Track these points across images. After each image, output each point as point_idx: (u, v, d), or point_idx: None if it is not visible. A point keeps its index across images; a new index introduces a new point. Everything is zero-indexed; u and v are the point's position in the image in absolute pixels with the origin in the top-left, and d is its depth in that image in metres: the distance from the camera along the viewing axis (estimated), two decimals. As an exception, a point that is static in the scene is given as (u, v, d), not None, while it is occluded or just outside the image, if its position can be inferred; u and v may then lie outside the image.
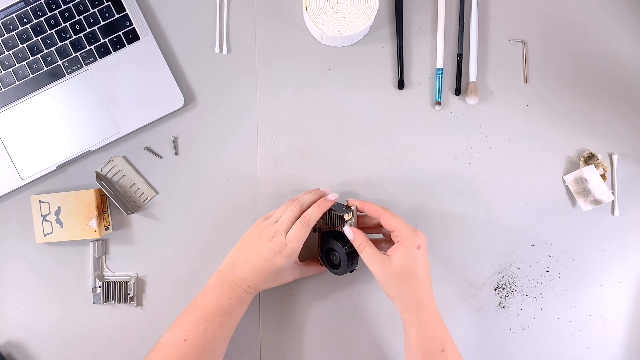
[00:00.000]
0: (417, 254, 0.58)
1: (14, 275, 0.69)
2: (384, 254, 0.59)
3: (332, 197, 0.63)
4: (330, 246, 0.63)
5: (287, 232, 0.60)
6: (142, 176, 0.70)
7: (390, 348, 0.69)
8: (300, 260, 0.65)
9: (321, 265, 0.67)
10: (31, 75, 0.68)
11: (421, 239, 0.59)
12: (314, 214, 0.61)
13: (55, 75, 0.69)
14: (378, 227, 0.66)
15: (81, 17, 0.69)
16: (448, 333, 0.60)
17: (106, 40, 0.69)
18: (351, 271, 0.64)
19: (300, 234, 0.60)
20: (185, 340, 0.59)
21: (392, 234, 0.61)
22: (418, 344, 0.60)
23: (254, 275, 0.61)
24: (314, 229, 0.66)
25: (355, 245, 0.60)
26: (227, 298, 0.61)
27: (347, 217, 0.61)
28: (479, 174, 0.70)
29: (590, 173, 0.68)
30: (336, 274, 0.64)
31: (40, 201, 0.67)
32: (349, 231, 0.61)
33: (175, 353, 0.59)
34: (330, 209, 0.63)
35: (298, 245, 0.60)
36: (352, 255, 0.62)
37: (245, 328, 0.69)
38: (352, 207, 0.63)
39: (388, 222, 0.60)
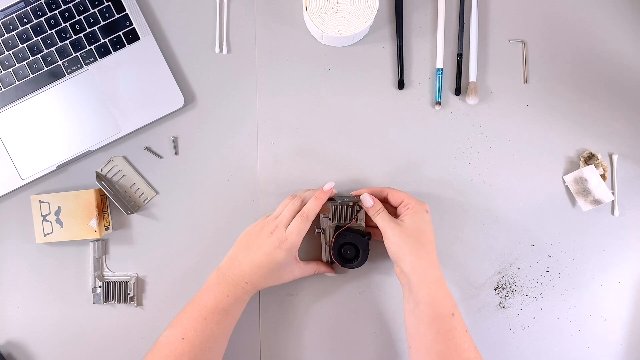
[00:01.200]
0: (426, 216, 0.62)
1: (14, 275, 0.69)
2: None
3: (328, 187, 0.64)
4: (346, 241, 0.65)
5: (288, 225, 0.61)
6: (142, 176, 0.70)
7: (390, 348, 0.69)
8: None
9: (331, 263, 0.67)
10: (31, 75, 0.68)
11: (427, 206, 0.63)
12: (313, 207, 0.62)
13: (55, 75, 0.69)
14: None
15: (81, 17, 0.69)
16: (453, 299, 0.61)
17: (106, 40, 0.69)
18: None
19: (300, 227, 0.61)
20: (183, 338, 0.59)
21: (400, 206, 0.63)
22: (429, 308, 0.58)
23: (253, 271, 0.61)
24: (317, 229, 0.67)
25: (374, 211, 0.63)
26: (225, 296, 0.61)
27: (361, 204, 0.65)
28: (479, 174, 0.70)
29: (590, 173, 0.68)
30: (352, 267, 0.65)
31: (40, 201, 0.67)
32: (368, 199, 0.63)
33: (173, 351, 0.59)
34: (337, 205, 0.66)
35: (298, 239, 0.61)
36: (369, 245, 0.66)
37: (245, 328, 0.69)
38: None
39: (395, 196, 0.64)
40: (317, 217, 0.66)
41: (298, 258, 0.64)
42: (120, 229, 0.70)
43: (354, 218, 0.66)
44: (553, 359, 0.70)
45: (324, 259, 0.67)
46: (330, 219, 0.66)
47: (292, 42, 0.71)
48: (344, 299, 0.70)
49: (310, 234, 0.67)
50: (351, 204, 0.66)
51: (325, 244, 0.66)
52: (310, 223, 0.62)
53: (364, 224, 0.66)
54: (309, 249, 0.69)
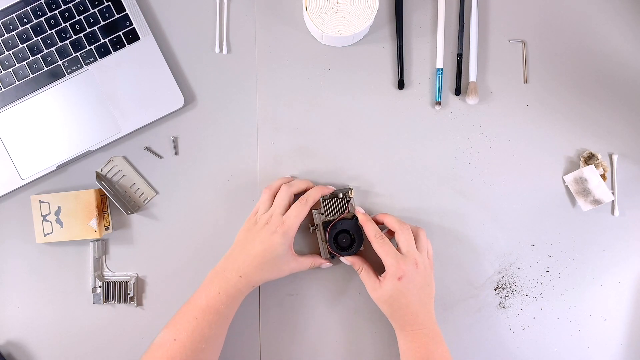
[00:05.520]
0: (399, 285, 0.61)
1: (14, 275, 0.69)
2: (378, 277, 0.63)
3: (331, 189, 0.67)
4: (340, 229, 0.66)
5: (284, 213, 0.62)
6: (142, 176, 0.70)
7: (390, 348, 0.69)
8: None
9: (331, 257, 0.67)
10: (31, 75, 0.68)
11: (404, 269, 0.61)
12: (314, 195, 0.64)
13: (55, 75, 0.69)
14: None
15: (81, 17, 0.69)
16: (439, 349, 0.61)
17: (106, 40, 0.69)
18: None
19: (298, 211, 0.62)
20: (175, 340, 0.58)
21: (395, 237, 0.64)
22: (404, 356, 0.62)
23: (248, 263, 0.61)
24: (311, 226, 0.67)
25: (355, 268, 0.65)
26: (216, 293, 0.60)
27: (350, 194, 0.67)
28: (479, 174, 0.70)
29: (590, 173, 0.68)
30: (351, 253, 0.66)
31: (40, 201, 0.67)
32: (345, 261, 0.66)
33: (166, 353, 0.58)
34: (327, 198, 0.67)
35: (295, 222, 0.61)
36: (359, 226, 0.66)
37: (245, 328, 0.69)
38: (352, 187, 0.68)
39: (377, 252, 0.63)
40: (310, 214, 0.66)
41: (293, 251, 0.64)
42: (120, 229, 0.70)
43: (346, 210, 0.67)
44: (553, 359, 0.70)
45: (323, 256, 0.67)
46: (322, 214, 0.67)
47: (292, 42, 0.71)
48: (343, 299, 0.70)
49: (306, 232, 0.68)
50: (341, 196, 0.67)
51: (323, 240, 0.67)
52: (308, 209, 0.63)
53: (353, 212, 0.67)
54: (305, 247, 0.69)
